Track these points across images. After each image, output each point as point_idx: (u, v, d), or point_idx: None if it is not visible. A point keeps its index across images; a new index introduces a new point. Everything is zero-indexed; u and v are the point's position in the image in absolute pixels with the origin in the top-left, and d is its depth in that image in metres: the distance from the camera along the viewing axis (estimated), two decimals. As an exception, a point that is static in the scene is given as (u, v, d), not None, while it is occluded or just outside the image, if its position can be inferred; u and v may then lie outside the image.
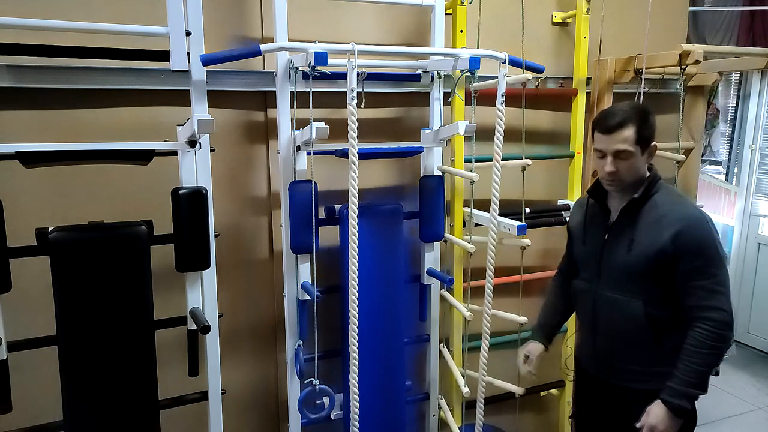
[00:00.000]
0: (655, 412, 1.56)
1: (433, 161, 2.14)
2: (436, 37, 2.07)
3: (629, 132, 1.56)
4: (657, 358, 1.64)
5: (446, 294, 2.24)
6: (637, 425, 1.60)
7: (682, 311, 1.60)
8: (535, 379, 1.95)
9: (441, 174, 2.14)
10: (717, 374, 1.69)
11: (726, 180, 4.48)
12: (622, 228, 1.67)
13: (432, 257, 2.20)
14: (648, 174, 1.66)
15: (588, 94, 2.47)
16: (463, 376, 2.17)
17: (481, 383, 1.96)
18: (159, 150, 1.61)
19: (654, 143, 1.62)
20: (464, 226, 2.25)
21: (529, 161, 2.01)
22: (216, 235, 1.77)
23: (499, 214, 1.90)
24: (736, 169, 4.41)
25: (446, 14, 2.10)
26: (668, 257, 1.56)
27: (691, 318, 1.57)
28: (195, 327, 1.68)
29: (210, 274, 1.76)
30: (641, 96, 2.29)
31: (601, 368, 1.78)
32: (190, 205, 1.63)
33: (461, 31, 2.10)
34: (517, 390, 2.08)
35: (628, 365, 1.69)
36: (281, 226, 1.96)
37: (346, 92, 1.58)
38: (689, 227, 1.56)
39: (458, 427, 2.22)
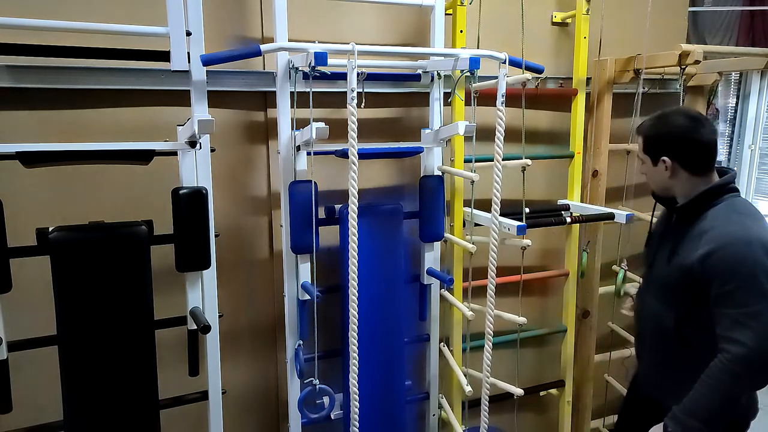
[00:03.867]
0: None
1: (433, 161, 2.14)
2: (436, 37, 2.07)
3: (640, 140, 1.63)
4: (692, 382, 1.48)
5: (447, 294, 2.24)
6: None
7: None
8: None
9: (441, 174, 2.14)
10: None
11: (726, 180, 4.48)
12: (669, 237, 1.62)
13: (432, 257, 2.20)
14: (705, 187, 1.53)
15: (588, 95, 2.47)
16: (465, 376, 2.17)
17: (486, 385, 1.94)
18: (159, 150, 1.61)
19: (663, 158, 1.54)
20: (464, 226, 2.25)
21: (529, 161, 2.01)
22: (216, 235, 1.77)
23: (499, 214, 1.90)
24: (736, 169, 4.41)
25: (446, 14, 2.10)
26: (696, 277, 1.45)
27: (718, 348, 1.43)
28: (195, 327, 1.68)
29: (210, 274, 1.76)
30: (641, 96, 2.29)
31: (644, 379, 1.75)
32: (190, 205, 1.63)
33: (461, 31, 2.10)
34: (517, 391, 2.08)
35: (665, 381, 1.62)
36: (281, 226, 1.96)
37: (346, 92, 1.57)
38: (724, 248, 1.41)
39: (461, 429, 2.22)
